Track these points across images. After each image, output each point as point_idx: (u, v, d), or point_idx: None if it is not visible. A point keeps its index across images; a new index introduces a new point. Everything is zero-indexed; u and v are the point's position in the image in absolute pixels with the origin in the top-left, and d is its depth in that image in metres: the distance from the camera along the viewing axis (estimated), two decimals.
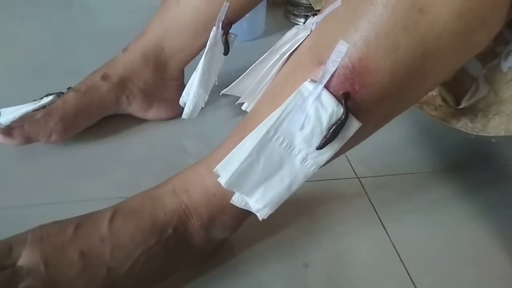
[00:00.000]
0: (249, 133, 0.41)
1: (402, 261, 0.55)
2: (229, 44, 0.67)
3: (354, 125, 0.39)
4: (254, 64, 0.47)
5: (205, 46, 0.65)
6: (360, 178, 0.66)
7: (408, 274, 0.53)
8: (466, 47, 0.38)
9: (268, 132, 0.39)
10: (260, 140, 0.39)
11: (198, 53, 0.69)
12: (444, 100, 0.52)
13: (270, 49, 0.45)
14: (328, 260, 0.54)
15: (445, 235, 0.59)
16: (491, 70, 0.47)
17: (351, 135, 0.39)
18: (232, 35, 0.67)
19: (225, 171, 0.41)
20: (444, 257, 0.56)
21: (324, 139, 0.39)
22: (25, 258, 0.40)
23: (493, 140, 0.48)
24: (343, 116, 0.38)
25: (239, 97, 0.52)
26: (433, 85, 0.42)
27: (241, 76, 0.48)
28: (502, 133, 0.46)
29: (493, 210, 0.63)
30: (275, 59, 0.45)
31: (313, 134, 0.38)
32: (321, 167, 0.41)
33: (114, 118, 0.70)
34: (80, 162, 0.64)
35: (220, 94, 0.50)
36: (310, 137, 0.39)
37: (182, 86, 0.71)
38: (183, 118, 0.69)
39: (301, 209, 0.60)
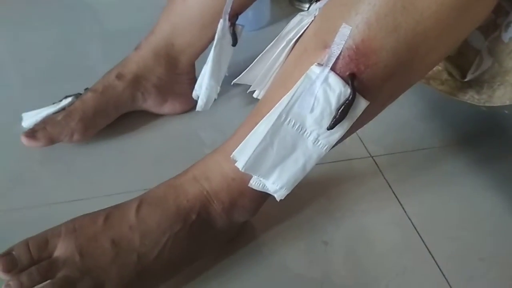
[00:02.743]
0: (262, 119, 0.43)
1: (420, 235, 0.56)
2: (237, 35, 0.68)
3: (362, 104, 0.40)
4: (262, 53, 0.49)
5: (213, 39, 0.66)
6: (374, 157, 0.67)
7: (427, 247, 0.55)
8: (465, 20, 0.40)
9: (280, 116, 0.41)
10: (273, 124, 0.41)
11: (207, 46, 0.70)
12: (450, 74, 0.53)
13: (277, 37, 0.47)
14: (347, 238, 0.56)
15: (460, 206, 0.61)
16: (493, 41, 0.48)
17: (360, 113, 0.41)
18: (239, 26, 0.69)
19: (241, 156, 0.43)
20: (461, 228, 0.58)
21: (334, 120, 0.40)
22: (61, 249, 0.43)
23: (506, 112, 0.49)
24: (351, 96, 0.39)
25: (250, 86, 0.53)
26: (436, 60, 0.44)
27: (251, 65, 0.50)
28: (508, 102, 0.47)
29: (505, 179, 0.64)
30: (282, 46, 0.46)
31: (323, 116, 0.40)
32: (333, 146, 0.43)
33: (131, 115, 0.73)
34: (103, 159, 0.67)
35: (232, 84, 0.52)
36: (320, 118, 0.40)
37: (194, 80, 0.73)
38: (197, 111, 0.71)
39: (318, 190, 0.62)
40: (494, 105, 0.48)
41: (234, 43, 0.68)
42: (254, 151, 0.41)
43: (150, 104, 0.72)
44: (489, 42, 0.49)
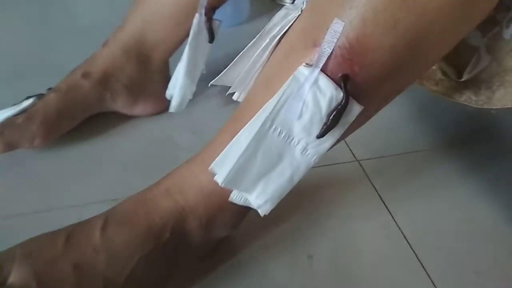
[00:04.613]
0: (244, 125, 0.38)
1: (411, 246, 0.53)
2: (214, 31, 0.64)
3: (356, 109, 0.36)
4: (243, 51, 0.44)
5: (188, 35, 0.62)
6: (360, 161, 0.64)
7: (419, 259, 0.51)
8: (468, 16, 0.36)
9: (264, 123, 0.36)
10: (257, 132, 0.36)
11: (182, 42, 0.66)
12: (444, 73, 0.50)
13: (259, 33, 0.42)
14: (333, 250, 0.52)
15: (453, 213, 0.58)
16: (493, 38, 0.45)
17: (353, 120, 0.37)
18: (217, 21, 0.64)
19: (221, 169, 0.38)
20: (454, 238, 0.54)
21: (325, 127, 0.36)
22: (16, 275, 0.38)
23: (493, 112, 0.46)
24: (343, 101, 0.35)
25: (229, 87, 0.49)
26: (436, 59, 0.40)
27: (230, 64, 0.45)
28: (509, 105, 0.44)
29: (499, 183, 0.61)
30: (265, 43, 0.42)
31: (313, 122, 0.36)
32: (323, 155, 0.39)
33: (99, 117, 0.67)
34: (68, 166, 0.61)
35: (209, 85, 0.47)
36: (309, 125, 0.36)
37: (167, 79, 0.68)
38: (172, 112, 0.66)
39: (302, 197, 0.58)
40: (494, 107, 0.45)
41: (211, 40, 0.64)
42: (235, 163, 0.37)
43: (120, 105, 0.67)
44: (488, 39, 0.45)
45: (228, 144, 0.38)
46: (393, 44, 0.34)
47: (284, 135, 0.37)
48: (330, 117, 0.36)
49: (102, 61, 0.64)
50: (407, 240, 0.53)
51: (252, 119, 0.37)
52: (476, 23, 0.38)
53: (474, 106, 0.47)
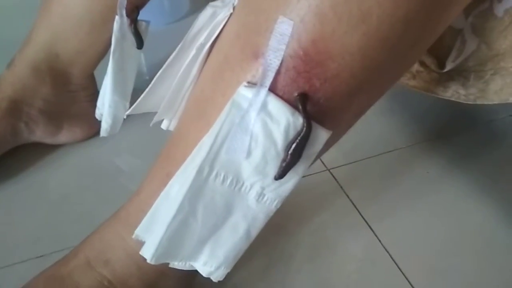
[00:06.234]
0: (177, 167, 0.28)
1: (400, 269, 0.45)
2: (141, 34, 0.53)
3: (322, 136, 0.27)
4: (163, 67, 0.33)
5: (110, 42, 0.51)
6: (331, 170, 0.54)
7: (410, 283, 0.44)
8: None
9: (200, 169, 0.26)
10: (192, 183, 0.27)
11: (105, 52, 0.55)
12: (422, 64, 0.40)
13: (181, 42, 0.32)
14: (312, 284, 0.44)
15: (441, 222, 0.51)
16: (480, 17, 0.36)
17: (320, 148, 0.27)
18: (143, 23, 0.53)
19: (148, 236, 0.28)
20: (446, 253, 0.48)
21: (284, 164, 0.27)
22: None
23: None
24: (304, 128, 0.26)
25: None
26: (419, 55, 0.31)
27: (150, 86, 0.35)
28: (511, 99, 0.35)
29: (490, 179, 0.54)
30: (191, 55, 0.31)
31: (267, 161, 0.27)
32: (286, 197, 0.29)
33: (19, 150, 0.56)
34: None
35: (125, 116, 0.37)
36: (262, 165, 0.27)
37: (95, 96, 0.57)
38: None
39: (269, 222, 0.49)
40: (491, 102, 0.36)
41: (139, 45, 0.53)
42: (166, 230, 0.27)
43: (39, 135, 0.56)
44: (474, 18, 0.36)
45: (157, 196, 0.28)
46: (363, 45, 0.25)
47: (231, 181, 0.27)
48: (290, 152, 0.26)
49: (9, 86, 0.53)
50: (395, 263, 0.46)
51: (184, 164, 0.27)
52: (466, 3, 0.29)
53: (464, 102, 0.38)
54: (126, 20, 0.51)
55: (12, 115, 0.53)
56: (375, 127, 0.62)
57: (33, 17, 0.54)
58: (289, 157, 0.26)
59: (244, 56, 0.26)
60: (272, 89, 0.25)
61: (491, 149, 0.59)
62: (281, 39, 0.25)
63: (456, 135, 0.61)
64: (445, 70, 0.39)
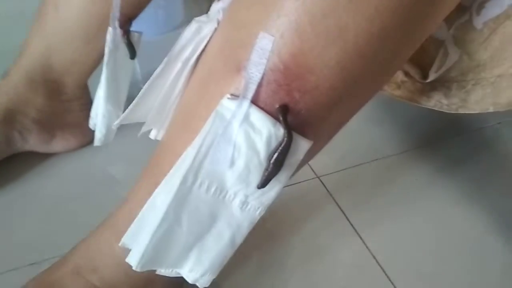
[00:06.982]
0: (163, 176, 0.29)
1: (389, 278, 0.46)
2: (134, 45, 0.54)
3: (303, 146, 0.28)
4: (149, 80, 0.34)
5: (104, 52, 0.52)
6: (320, 178, 0.55)
7: (393, 285, 0.44)
8: (434, 10, 0.28)
9: (185, 179, 0.27)
10: (176, 193, 0.27)
11: (99, 62, 0.56)
12: (407, 74, 0.41)
13: (167, 56, 0.33)
14: None
15: (430, 230, 0.51)
16: (461, 29, 0.37)
17: (301, 158, 0.28)
18: (136, 34, 0.54)
19: (134, 244, 0.29)
20: (435, 261, 0.48)
21: (266, 173, 0.27)
22: None
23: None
24: (285, 138, 0.27)
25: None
26: (399, 67, 0.32)
27: (138, 97, 0.35)
28: (491, 109, 0.36)
29: (478, 185, 0.54)
30: (177, 68, 0.32)
31: (250, 170, 0.27)
32: (270, 205, 0.30)
33: (13, 159, 0.56)
34: None
35: (113, 127, 0.38)
36: (245, 174, 0.28)
37: (89, 106, 0.58)
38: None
39: (260, 228, 0.49)
40: (472, 112, 0.37)
41: (132, 55, 0.54)
42: (151, 238, 0.27)
43: (33, 143, 0.56)
44: (455, 30, 0.37)
45: (144, 205, 0.29)
46: (341, 59, 0.26)
47: (215, 190, 0.28)
48: (272, 161, 0.27)
49: (3, 96, 0.54)
50: (384, 272, 0.47)
51: (169, 174, 0.28)
52: (444, 15, 0.30)
53: (447, 111, 0.39)
54: (119, 31, 0.52)
55: (6, 124, 0.54)
56: (364, 135, 0.62)
57: (28, 27, 0.56)
58: (271, 166, 0.27)
59: (227, 69, 0.27)
60: (254, 101, 0.26)
61: (480, 156, 0.60)
62: (262, 54, 0.26)
63: (445, 142, 0.62)
64: (428, 80, 0.40)
